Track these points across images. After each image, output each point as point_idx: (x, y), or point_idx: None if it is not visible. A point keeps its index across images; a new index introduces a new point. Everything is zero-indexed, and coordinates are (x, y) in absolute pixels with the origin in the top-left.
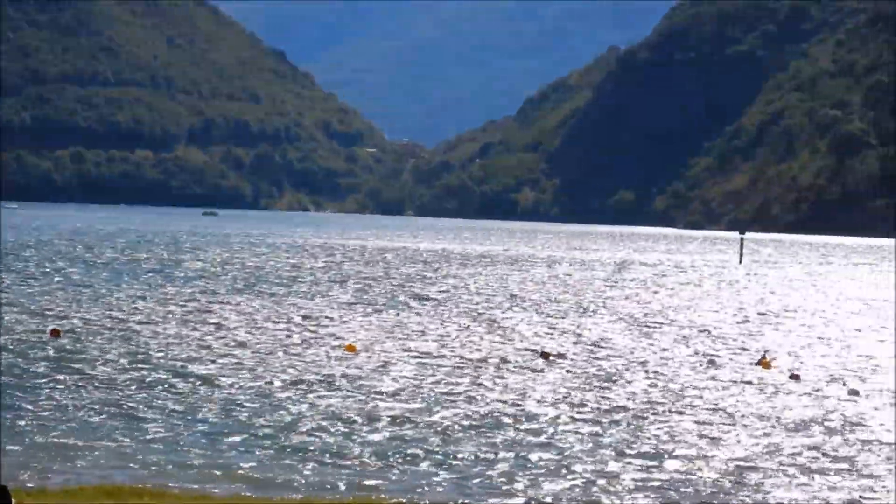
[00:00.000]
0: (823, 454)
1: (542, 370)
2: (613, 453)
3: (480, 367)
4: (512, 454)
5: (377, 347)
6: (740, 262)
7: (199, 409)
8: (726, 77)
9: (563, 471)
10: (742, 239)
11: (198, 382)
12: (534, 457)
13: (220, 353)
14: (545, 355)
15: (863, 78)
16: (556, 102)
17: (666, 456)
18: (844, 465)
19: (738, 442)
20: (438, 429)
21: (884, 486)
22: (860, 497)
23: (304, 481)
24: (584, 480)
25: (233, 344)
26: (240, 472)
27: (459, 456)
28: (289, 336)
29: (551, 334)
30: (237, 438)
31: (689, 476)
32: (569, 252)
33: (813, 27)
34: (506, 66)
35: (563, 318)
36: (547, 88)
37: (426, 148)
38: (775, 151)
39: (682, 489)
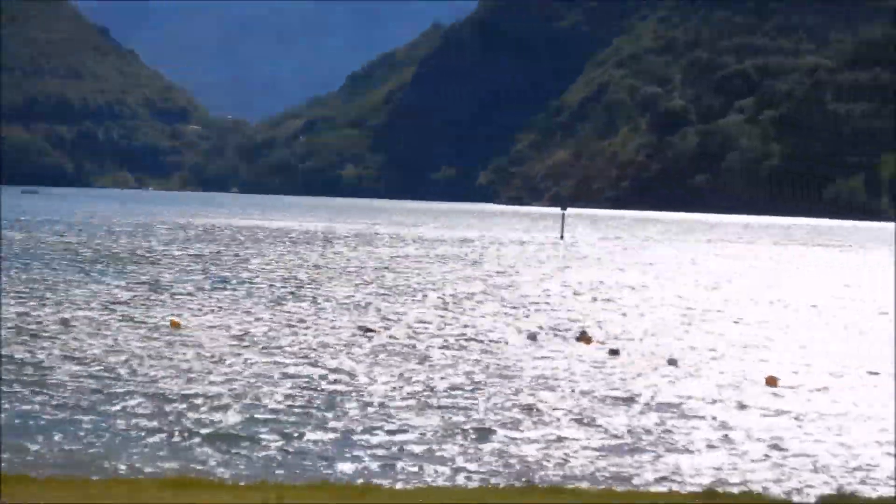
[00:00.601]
0: (642, 428)
1: (363, 346)
2: (438, 430)
3: (300, 345)
4: (336, 433)
5: (201, 325)
6: (562, 237)
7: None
8: (550, 53)
9: (393, 449)
10: (564, 215)
11: None
12: (360, 437)
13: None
14: (367, 330)
15: (683, 55)
16: (381, 79)
17: (489, 432)
18: (663, 439)
19: (558, 417)
20: (262, 407)
21: (700, 461)
22: (672, 474)
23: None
24: (412, 458)
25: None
26: None
27: (274, 436)
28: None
29: (374, 311)
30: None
31: (511, 451)
32: (391, 228)
33: (635, 4)
34: (330, 42)
35: (386, 295)
36: (371, 64)
37: (251, 124)
38: (597, 128)
39: (506, 465)
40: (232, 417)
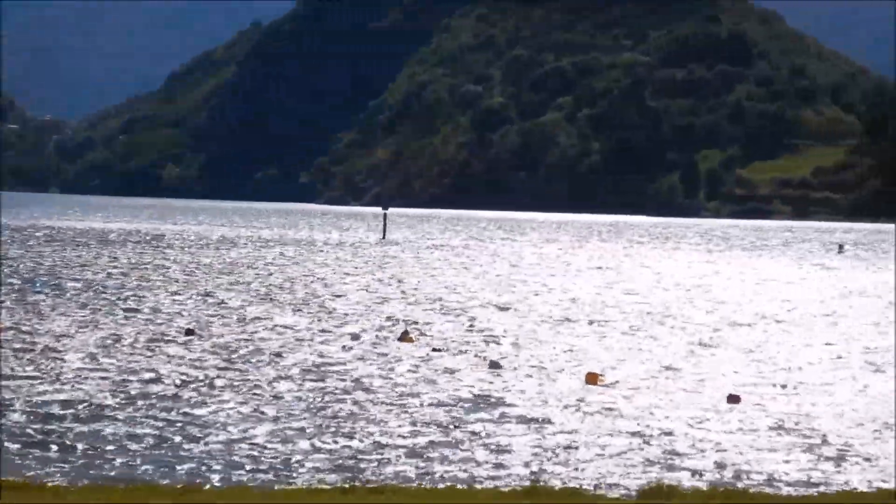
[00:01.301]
0: (463, 426)
1: (184, 348)
2: (260, 431)
3: (124, 348)
4: (156, 432)
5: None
6: (384, 237)
7: None
8: (371, 51)
9: (231, 450)
10: (385, 214)
11: None
12: (194, 443)
13: None
14: (189, 332)
15: (502, 52)
16: (200, 78)
17: (310, 432)
18: (484, 437)
19: (379, 417)
20: (75, 409)
21: (521, 458)
22: (494, 472)
23: None
24: (231, 463)
25: None
26: None
27: (93, 437)
28: None
29: (195, 314)
30: None
31: (335, 451)
32: (209, 229)
33: (456, 3)
34: (148, 40)
35: (206, 296)
36: (191, 63)
37: (69, 124)
38: (418, 126)
39: (331, 464)
40: None
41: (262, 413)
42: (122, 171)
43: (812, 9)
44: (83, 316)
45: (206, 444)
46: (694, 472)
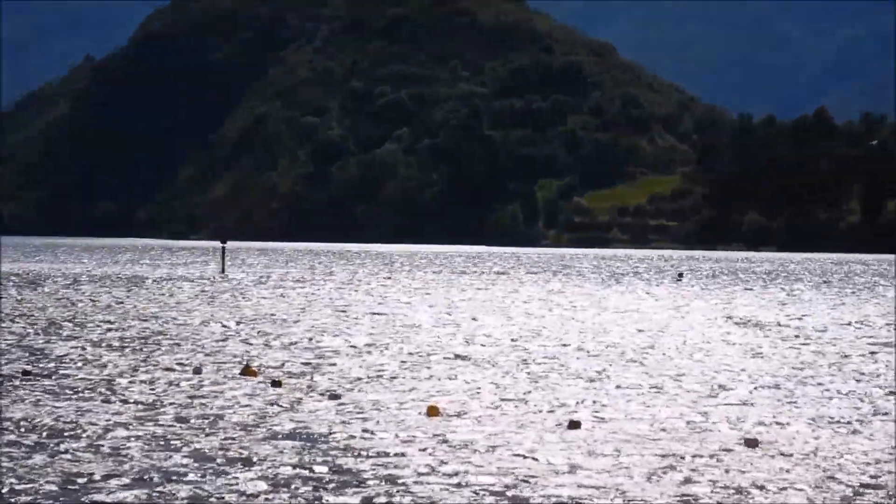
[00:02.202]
0: (305, 461)
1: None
2: (94, 464)
3: None
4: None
5: None
6: (223, 271)
7: None
8: (208, 86)
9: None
10: (224, 248)
11: None
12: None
13: None
14: (26, 373)
15: (340, 85)
16: (32, 115)
17: (151, 461)
18: (326, 472)
19: (213, 451)
20: None
21: (351, 490)
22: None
23: None
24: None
25: None
26: None
27: None
28: None
29: (29, 351)
30: None
31: (167, 484)
32: (48, 266)
33: (291, 35)
34: None
35: (43, 334)
36: (22, 100)
37: None
38: (257, 160)
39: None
40: None
41: (90, 443)
42: None
43: (644, 40)
44: None
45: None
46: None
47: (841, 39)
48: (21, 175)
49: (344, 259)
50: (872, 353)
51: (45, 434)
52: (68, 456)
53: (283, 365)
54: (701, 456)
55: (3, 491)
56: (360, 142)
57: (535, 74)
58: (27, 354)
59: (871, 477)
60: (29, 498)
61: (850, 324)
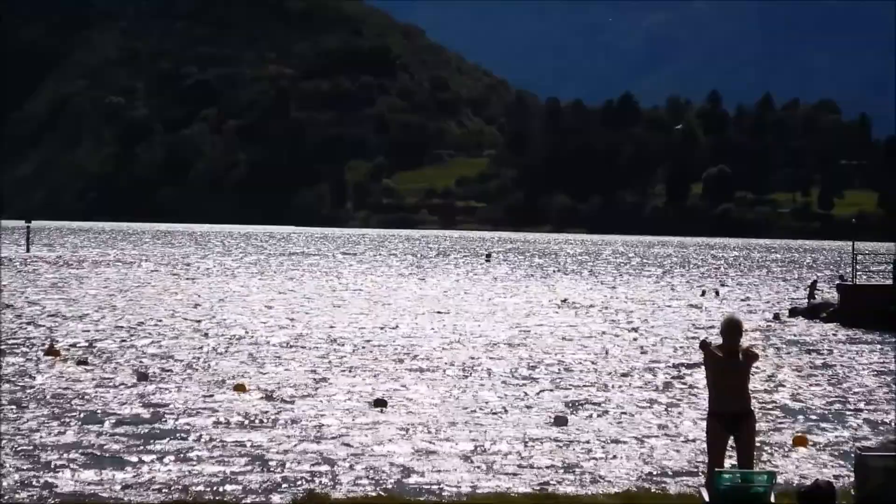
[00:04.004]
0: (113, 440)
1: None
2: None
3: None
4: None
5: None
6: (28, 250)
7: None
8: (12, 65)
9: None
10: (29, 227)
11: None
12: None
13: None
14: None
15: (147, 66)
16: None
17: None
18: (133, 451)
19: (28, 425)
20: None
21: (172, 471)
22: (144, 487)
23: None
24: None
25: None
26: None
27: None
28: None
29: None
30: None
31: None
32: None
33: (98, 15)
34: None
35: None
36: None
37: None
38: (62, 139)
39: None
40: None
41: None
42: None
43: (454, 24)
44: None
45: None
46: (346, 479)
47: (652, 24)
48: None
49: (148, 239)
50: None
51: None
52: None
53: (90, 344)
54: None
55: None
56: (167, 123)
57: (343, 56)
58: None
59: None
60: None
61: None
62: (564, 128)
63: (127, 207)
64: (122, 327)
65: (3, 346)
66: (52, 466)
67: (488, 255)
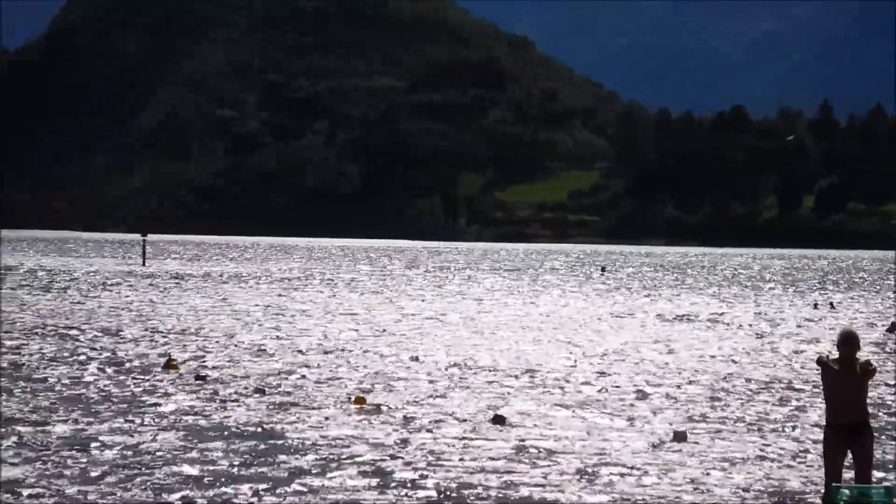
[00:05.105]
0: (232, 452)
1: None
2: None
3: None
4: None
5: None
6: (144, 264)
7: None
8: (121, 77)
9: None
10: (144, 241)
11: None
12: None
13: None
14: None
15: (256, 77)
16: None
17: (77, 460)
18: (258, 465)
19: (147, 440)
20: None
21: (305, 483)
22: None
23: None
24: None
25: None
26: None
27: None
28: None
29: None
30: None
31: (99, 479)
32: None
33: (206, 26)
34: None
35: None
36: None
37: None
38: (173, 152)
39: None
40: None
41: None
42: None
43: (564, 37)
44: None
45: None
46: (466, 496)
47: (758, 33)
48: None
49: (265, 252)
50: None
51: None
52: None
53: (208, 359)
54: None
55: None
56: (277, 135)
57: (453, 68)
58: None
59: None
60: None
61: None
62: (674, 139)
63: (238, 219)
64: (242, 342)
65: (122, 360)
66: (168, 481)
67: (603, 268)
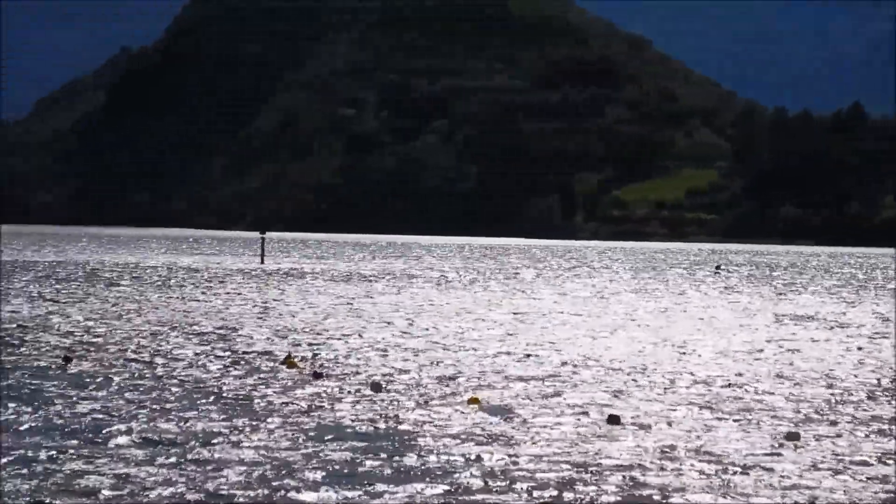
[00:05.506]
0: (350, 450)
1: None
2: (150, 458)
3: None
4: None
5: None
6: (262, 262)
7: None
8: (241, 77)
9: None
10: (263, 239)
11: None
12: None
13: None
14: (66, 359)
15: (374, 77)
16: (70, 104)
17: (190, 454)
18: (376, 466)
19: (266, 439)
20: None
21: (418, 488)
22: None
23: None
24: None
25: None
26: None
27: None
28: None
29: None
30: None
31: (220, 475)
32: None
33: (325, 26)
34: (15, 65)
35: (90, 319)
36: (59, 90)
37: None
38: (292, 151)
39: (210, 490)
40: None
41: (142, 436)
42: None
43: (680, 34)
44: None
45: (87, 473)
46: (581, 495)
47: (877, 31)
48: (56, 164)
49: (384, 250)
50: None
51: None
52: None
53: (326, 355)
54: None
55: None
56: (396, 134)
57: (570, 67)
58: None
59: None
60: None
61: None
62: (792, 138)
63: (356, 218)
64: (360, 339)
65: (241, 358)
66: (283, 479)
67: (718, 267)
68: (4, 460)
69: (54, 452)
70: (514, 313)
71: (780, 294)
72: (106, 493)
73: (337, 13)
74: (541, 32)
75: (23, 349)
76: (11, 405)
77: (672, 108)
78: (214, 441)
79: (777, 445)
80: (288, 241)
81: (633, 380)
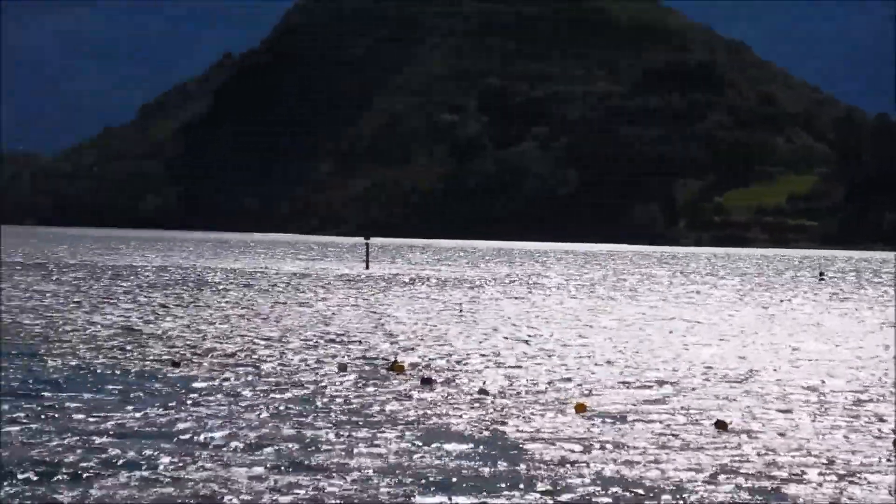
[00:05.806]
0: (460, 456)
1: (167, 378)
2: (256, 466)
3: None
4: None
5: None
6: (367, 267)
7: None
8: (343, 81)
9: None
10: (367, 244)
11: None
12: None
13: None
14: (175, 364)
15: (476, 82)
16: (174, 109)
17: (300, 465)
18: (484, 471)
19: (375, 444)
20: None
21: (518, 495)
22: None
23: None
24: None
25: None
26: None
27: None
28: None
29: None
30: None
31: (328, 485)
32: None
33: (426, 32)
34: (120, 71)
35: (192, 325)
36: (164, 95)
37: (44, 156)
38: (395, 155)
39: (327, 497)
40: None
41: (249, 446)
42: (98, 203)
43: (779, 39)
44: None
45: (196, 477)
46: (689, 500)
47: None
48: (164, 168)
49: (487, 256)
50: None
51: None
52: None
53: (432, 361)
54: None
55: None
56: (497, 140)
57: (671, 72)
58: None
59: None
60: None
61: None
62: (895, 142)
63: (458, 223)
64: (467, 345)
65: (348, 362)
66: (388, 483)
67: (821, 274)
68: (116, 461)
69: (154, 452)
70: (621, 319)
71: (887, 301)
72: (212, 496)
73: (437, 18)
74: (640, 38)
75: (131, 353)
76: (120, 408)
77: (772, 113)
78: (324, 447)
79: (887, 452)
80: (390, 246)
81: (739, 385)
